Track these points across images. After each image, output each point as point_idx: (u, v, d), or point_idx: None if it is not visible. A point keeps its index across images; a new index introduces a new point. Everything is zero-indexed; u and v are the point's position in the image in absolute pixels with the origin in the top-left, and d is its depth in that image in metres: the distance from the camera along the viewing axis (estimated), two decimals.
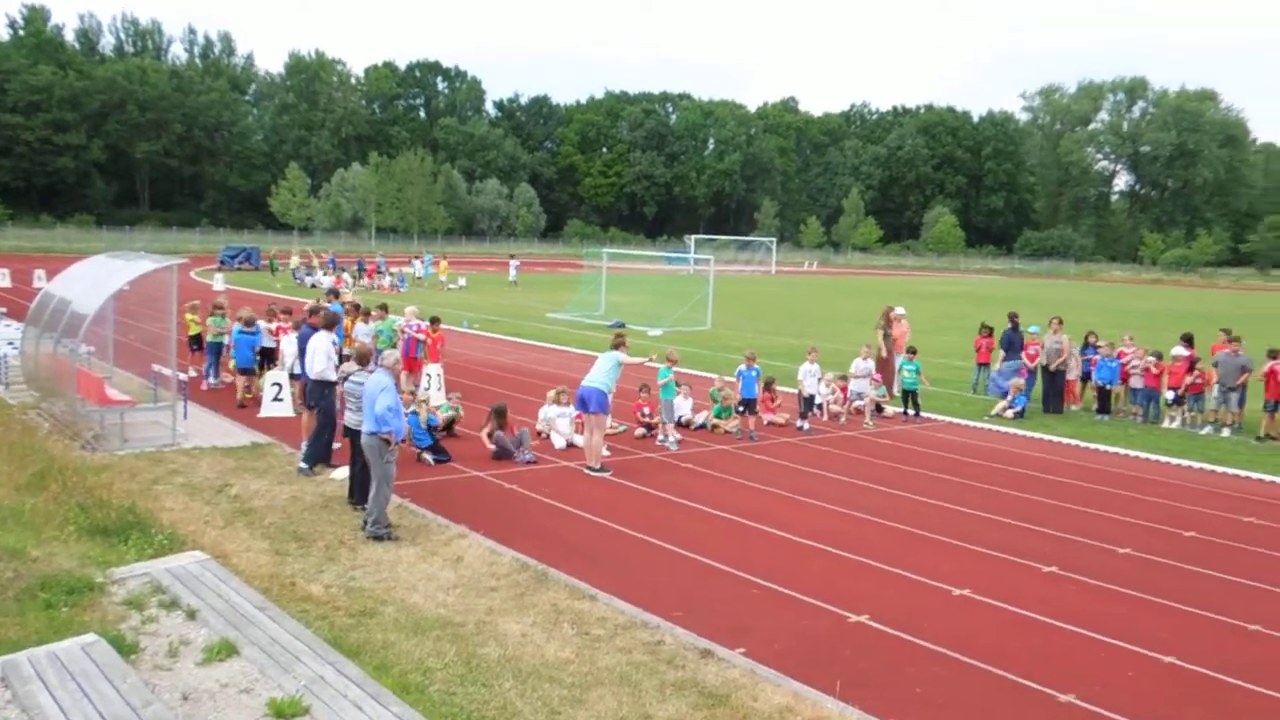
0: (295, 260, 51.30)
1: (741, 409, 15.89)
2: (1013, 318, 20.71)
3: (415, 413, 13.44)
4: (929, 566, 9.69)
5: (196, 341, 18.75)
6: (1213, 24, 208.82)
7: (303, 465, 12.22)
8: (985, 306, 40.29)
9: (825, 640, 7.82)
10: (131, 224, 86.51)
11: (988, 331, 21.18)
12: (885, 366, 19.35)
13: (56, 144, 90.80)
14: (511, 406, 16.34)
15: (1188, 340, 18.65)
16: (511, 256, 56.10)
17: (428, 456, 13.15)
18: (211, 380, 17.95)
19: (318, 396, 12.35)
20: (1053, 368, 19.03)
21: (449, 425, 14.38)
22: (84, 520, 9.33)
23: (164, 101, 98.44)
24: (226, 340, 17.57)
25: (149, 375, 15.92)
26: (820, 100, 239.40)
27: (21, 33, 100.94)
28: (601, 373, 13.27)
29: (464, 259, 78.05)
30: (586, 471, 12.98)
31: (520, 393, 18.39)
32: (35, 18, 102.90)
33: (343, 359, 13.82)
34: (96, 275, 15.34)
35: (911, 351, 18.64)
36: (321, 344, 12.38)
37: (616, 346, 13.75)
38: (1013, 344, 20.30)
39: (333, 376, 12.30)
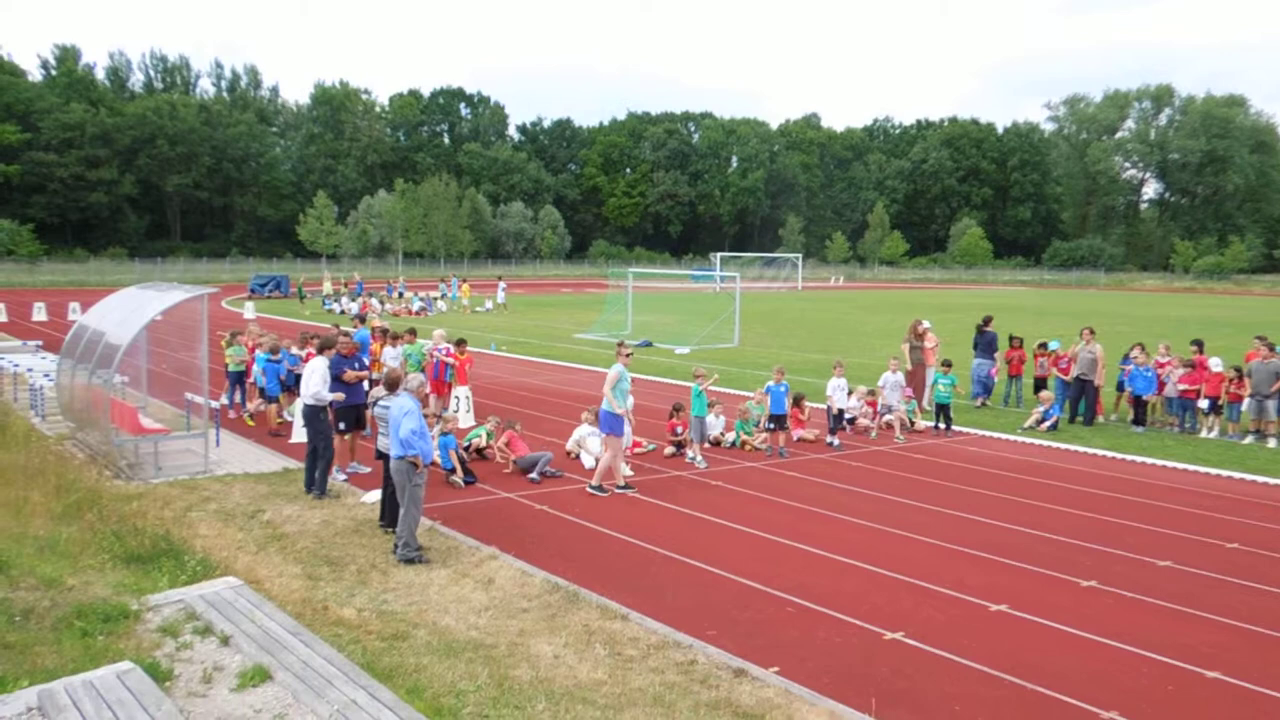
0: (328, 287, 51.85)
1: (771, 425, 15.81)
2: (985, 320, 21.20)
3: (449, 434, 13.48)
4: (965, 582, 9.56)
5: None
6: (1238, 28, 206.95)
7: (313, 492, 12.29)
8: (1014, 318, 39.98)
9: (860, 658, 7.72)
10: (164, 255, 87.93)
11: (1018, 343, 21.02)
12: (913, 380, 19.22)
13: (89, 180, 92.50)
14: (540, 426, 16.44)
15: (1198, 346, 18.47)
16: (499, 279, 56.33)
17: (457, 478, 13.18)
18: (248, 407, 18.05)
19: (312, 420, 12.47)
20: (1097, 381, 18.89)
21: (480, 451, 14.42)
22: (119, 548, 9.42)
23: (193, 135, 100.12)
24: (248, 368, 17.74)
25: (182, 404, 16.10)
26: (842, 115, 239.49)
27: (54, 72, 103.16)
28: (606, 391, 13.09)
29: (490, 282, 78.43)
30: (588, 489, 12.88)
31: (549, 413, 18.41)
32: (67, 57, 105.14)
33: (373, 384, 13.94)
34: (129, 306, 15.54)
35: (946, 364, 18.49)
36: (317, 368, 12.53)
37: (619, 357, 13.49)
38: (977, 345, 20.90)
39: (328, 399, 12.48)
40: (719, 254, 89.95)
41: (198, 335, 15.07)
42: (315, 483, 12.30)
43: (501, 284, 52.70)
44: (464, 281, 54.17)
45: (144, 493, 12.13)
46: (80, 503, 10.87)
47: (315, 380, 12.44)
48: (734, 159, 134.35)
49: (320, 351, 12.87)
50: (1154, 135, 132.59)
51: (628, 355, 13.52)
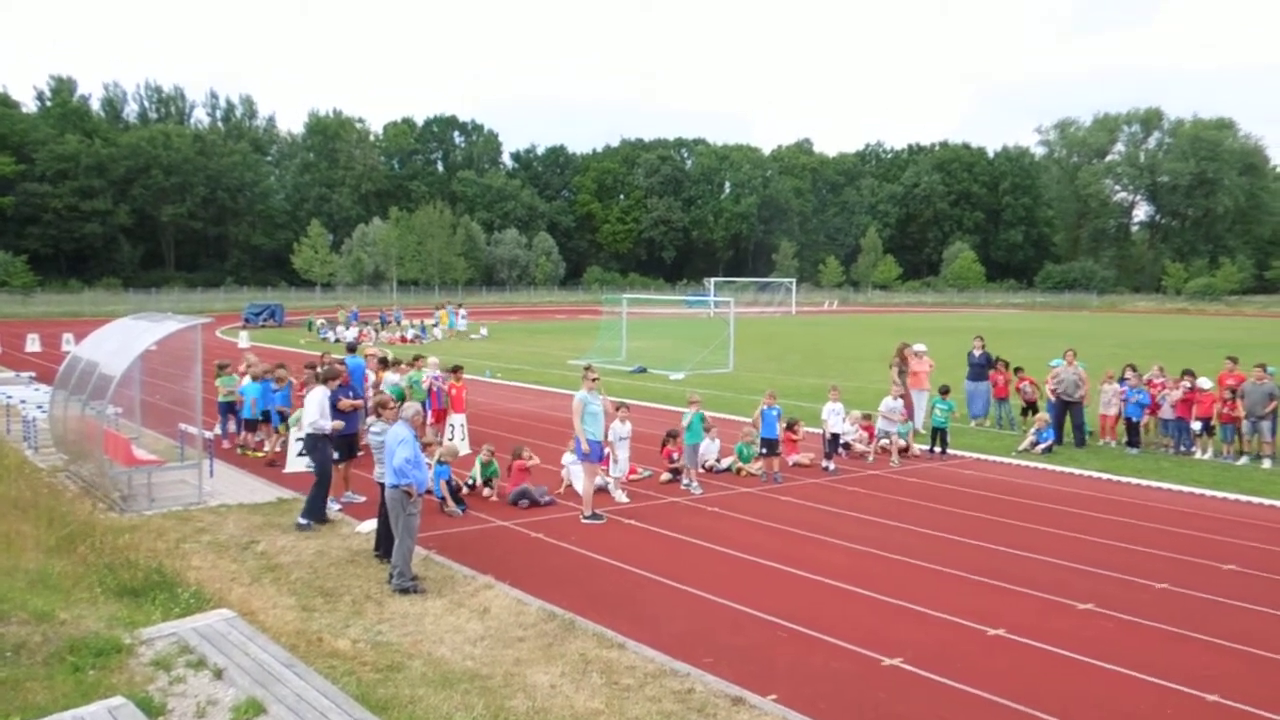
0: (340, 315, 51.76)
1: (764, 450, 15.78)
2: (975, 341, 21.87)
3: (444, 463, 13.42)
4: (962, 606, 9.53)
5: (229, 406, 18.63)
6: (1226, 51, 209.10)
7: (301, 520, 12.24)
8: (1005, 341, 40.02)
9: (859, 684, 7.68)
10: (158, 285, 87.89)
11: (1004, 366, 21.10)
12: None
13: (84, 210, 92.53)
14: (534, 454, 16.33)
15: (1190, 375, 18.44)
16: (459, 305, 55.76)
17: (451, 508, 13.13)
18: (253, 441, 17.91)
19: (312, 449, 12.47)
20: (1085, 401, 18.95)
21: (488, 481, 14.32)
22: (112, 581, 9.36)
23: (188, 165, 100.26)
24: (236, 398, 17.68)
25: (176, 434, 16.06)
26: (834, 140, 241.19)
27: (49, 104, 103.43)
28: (575, 423, 13.03)
29: (483, 309, 78.72)
30: (582, 520, 12.83)
31: (543, 440, 18.37)
32: (62, 89, 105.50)
33: (369, 412, 13.92)
34: (123, 337, 15.53)
35: (944, 391, 18.52)
36: (316, 398, 12.53)
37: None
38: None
39: (326, 429, 12.46)
40: (713, 279, 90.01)
41: (191, 365, 15.05)
42: (309, 511, 12.25)
43: (461, 311, 52.16)
44: (440, 308, 54.03)
45: (137, 525, 12.07)
46: (73, 535, 10.80)
47: (313, 409, 12.46)
48: (727, 184, 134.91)
49: (323, 382, 12.90)
50: (1144, 158, 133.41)
51: (594, 380, 13.46)
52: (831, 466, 16.48)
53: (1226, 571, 10.91)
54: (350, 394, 13.59)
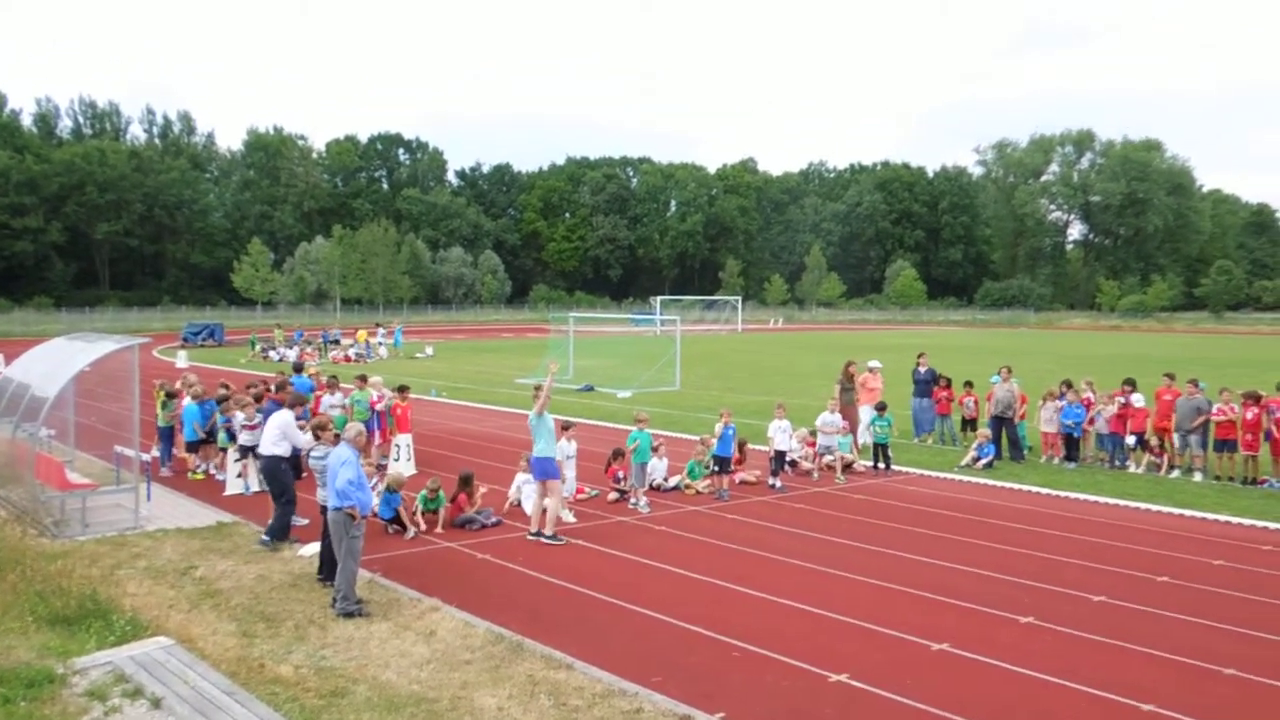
0: (279, 335, 50.96)
1: (716, 468, 15.84)
2: (919, 358, 22.19)
3: (393, 491, 13.23)
4: (907, 622, 9.64)
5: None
6: (1154, 76, 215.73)
7: (264, 538, 12.11)
8: (946, 357, 40.72)
9: (806, 701, 7.73)
10: (92, 305, 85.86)
11: (946, 383, 21.45)
12: (847, 420, 19.40)
13: (14, 228, 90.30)
14: (482, 474, 16.22)
15: (1130, 384, 18.94)
16: (377, 325, 54.68)
17: (411, 522, 13.03)
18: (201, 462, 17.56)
19: (273, 474, 12.29)
20: (1017, 418, 19.31)
21: (435, 512, 14.10)
22: (43, 610, 9.09)
23: (124, 182, 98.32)
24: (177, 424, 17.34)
25: (112, 457, 15.67)
26: (778, 160, 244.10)
27: None
28: (534, 437, 13.06)
29: (429, 328, 78.19)
30: (535, 537, 12.77)
31: (492, 460, 18.27)
32: None
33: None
34: (56, 358, 15.14)
35: (880, 408, 18.78)
36: (277, 421, 12.40)
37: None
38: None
39: (302, 443, 12.35)
40: (659, 297, 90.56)
41: (128, 387, 14.71)
42: (275, 532, 12.09)
43: (381, 331, 51.64)
44: (362, 327, 53.40)
45: (70, 551, 11.74)
46: (2, 563, 10.48)
47: (289, 435, 12.33)
48: (672, 203, 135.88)
49: (290, 407, 12.87)
50: (1077, 178, 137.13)
51: (537, 398, 13.39)
52: (779, 484, 16.59)
53: (1160, 583, 11.18)
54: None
